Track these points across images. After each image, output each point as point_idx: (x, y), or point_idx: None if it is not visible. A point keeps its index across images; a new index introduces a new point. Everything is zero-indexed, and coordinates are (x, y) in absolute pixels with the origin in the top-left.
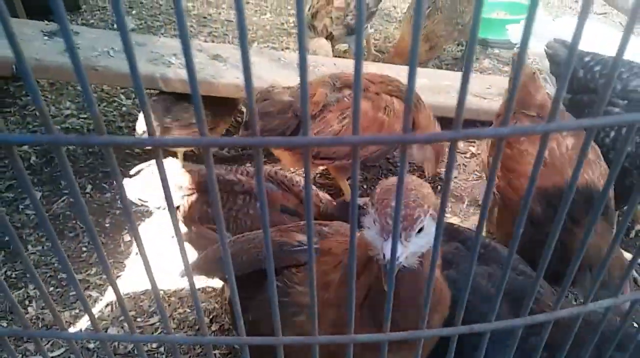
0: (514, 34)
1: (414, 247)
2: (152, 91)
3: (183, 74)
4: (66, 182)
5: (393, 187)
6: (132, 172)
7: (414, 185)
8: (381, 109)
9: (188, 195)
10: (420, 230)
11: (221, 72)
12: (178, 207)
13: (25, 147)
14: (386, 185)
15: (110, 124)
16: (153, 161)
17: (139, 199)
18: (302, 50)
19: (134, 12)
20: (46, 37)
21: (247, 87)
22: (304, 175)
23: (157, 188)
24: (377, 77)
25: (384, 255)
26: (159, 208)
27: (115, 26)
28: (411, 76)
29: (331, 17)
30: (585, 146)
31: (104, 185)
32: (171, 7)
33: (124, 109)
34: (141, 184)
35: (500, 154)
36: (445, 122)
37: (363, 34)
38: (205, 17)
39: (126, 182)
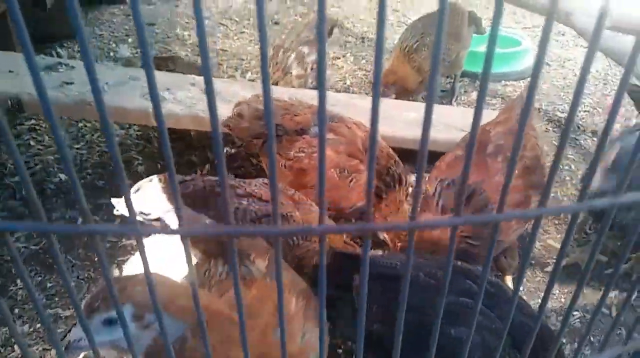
0: None
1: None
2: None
3: (177, 109)
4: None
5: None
6: (132, 190)
7: None
8: (347, 179)
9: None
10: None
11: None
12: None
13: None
14: None
15: (103, 154)
16: (153, 177)
17: (141, 213)
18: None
19: (130, 40)
20: (42, 72)
21: (213, 125)
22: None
23: (157, 201)
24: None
25: None
26: (157, 219)
27: (111, 54)
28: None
29: (293, 86)
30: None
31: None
32: (167, 35)
33: (117, 138)
34: (142, 199)
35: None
36: (433, 156)
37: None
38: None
39: (132, 196)
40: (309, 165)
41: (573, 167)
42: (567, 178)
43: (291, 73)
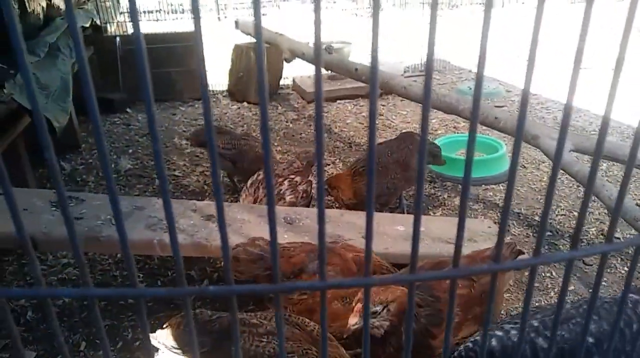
0: None
1: None
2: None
3: (180, 238)
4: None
5: None
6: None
7: None
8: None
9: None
10: None
11: (214, 233)
12: None
13: (22, 301)
14: None
15: (105, 273)
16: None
17: (173, 347)
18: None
19: (130, 151)
20: (54, 208)
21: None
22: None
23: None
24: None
25: None
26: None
27: (112, 166)
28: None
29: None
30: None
31: (97, 341)
32: (166, 145)
33: (118, 255)
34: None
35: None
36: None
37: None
38: (197, 156)
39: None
40: (314, 304)
41: (554, 273)
42: (549, 285)
43: (285, 199)
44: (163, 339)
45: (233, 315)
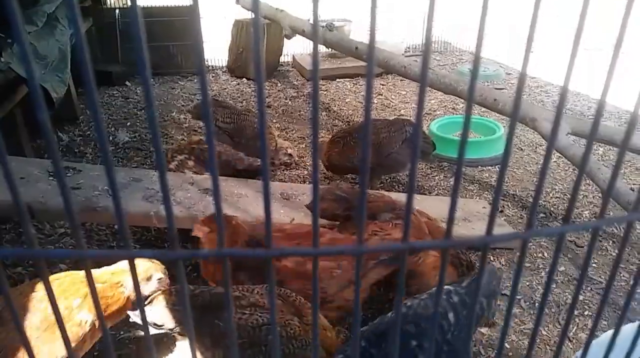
0: None
1: None
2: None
3: (177, 210)
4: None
5: None
6: (146, 302)
7: None
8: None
9: None
10: None
11: (210, 207)
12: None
13: (19, 269)
14: None
15: (103, 244)
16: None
17: (155, 324)
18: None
19: (128, 123)
20: (51, 178)
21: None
22: None
23: (167, 314)
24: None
25: None
26: (172, 329)
27: (110, 139)
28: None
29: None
30: None
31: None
32: (164, 119)
33: (115, 226)
34: (154, 311)
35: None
36: None
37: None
38: (195, 130)
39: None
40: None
41: (546, 254)
42: (541, 265)
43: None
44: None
45: (225, 278)
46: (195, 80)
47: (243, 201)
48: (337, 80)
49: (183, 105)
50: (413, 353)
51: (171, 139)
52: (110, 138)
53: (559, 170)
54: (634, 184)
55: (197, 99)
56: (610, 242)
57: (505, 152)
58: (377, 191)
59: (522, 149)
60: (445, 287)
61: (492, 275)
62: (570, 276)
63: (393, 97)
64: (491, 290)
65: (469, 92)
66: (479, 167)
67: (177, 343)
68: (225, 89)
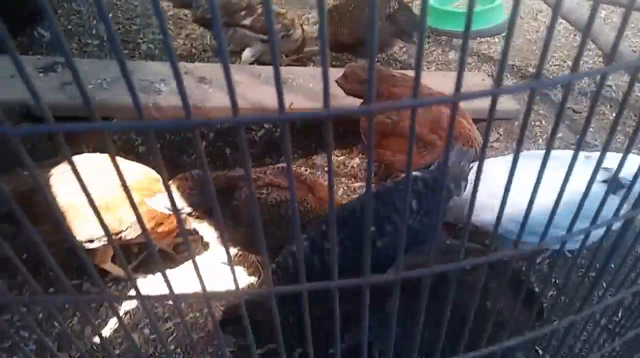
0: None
1: None
2: None
3: (174, 100)
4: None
5: None
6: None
7: None
8: (420, 149)
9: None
10: None
11: (208, 95)
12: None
13: None
14: None
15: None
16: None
17: (167, 208)
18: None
19: (109, 14)
20: (41, 74)
21: None
22: None
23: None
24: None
25: None
26: (190, 214)
27: (93, 33)
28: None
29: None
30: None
31: None
32: (147, 8)
33: (114, 119)
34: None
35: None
36: None
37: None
38: (180, 18)
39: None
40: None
41: (544, 122)
42: (539, 133)
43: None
44: (162, 202)
45: (242, 144)
46: None
47: (240, 87)
48: None
49: None
50: (371, 237)
51: (157, 29)
52: (93, 31)
53: (560, 37)
54: (635, 47)
55: None
56: (608, 106)
57: (511, 20)
58: (405, 76)
59: (521, 17)
60: (413, 173)
61: (461, 154)
62: (568, 142)
63: None
64: (460, 170)
65: None
66: (478, 39)
67: (194, 225)
68: None
